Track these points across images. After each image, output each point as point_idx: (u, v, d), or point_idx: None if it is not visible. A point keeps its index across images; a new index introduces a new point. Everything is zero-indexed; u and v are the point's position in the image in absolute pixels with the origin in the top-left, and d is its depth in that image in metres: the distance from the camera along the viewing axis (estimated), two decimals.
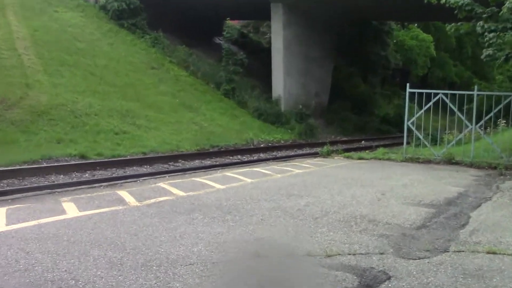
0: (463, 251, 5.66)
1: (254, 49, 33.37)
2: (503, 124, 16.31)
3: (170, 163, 15.29)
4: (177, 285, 4.37)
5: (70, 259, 4.92)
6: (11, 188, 10.40)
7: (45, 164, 12.90)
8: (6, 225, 6.11)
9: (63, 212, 6.86)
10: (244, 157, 17.98)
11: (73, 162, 13.54)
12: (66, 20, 24.08)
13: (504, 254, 5.55)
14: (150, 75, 23.72)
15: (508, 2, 11.24)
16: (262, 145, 21.50)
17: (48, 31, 22.30)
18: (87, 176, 12.60)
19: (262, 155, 18.94)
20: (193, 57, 27.64)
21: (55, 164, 12.98)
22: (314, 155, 17.57)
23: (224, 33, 27.37)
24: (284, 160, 15.91)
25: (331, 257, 5.22)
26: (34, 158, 13.25)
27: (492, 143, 14.07)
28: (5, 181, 11.17)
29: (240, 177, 10.35)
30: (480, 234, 6.37)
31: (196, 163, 15.81)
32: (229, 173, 11.17)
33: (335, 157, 15.24)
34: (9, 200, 8.03)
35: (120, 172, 13.27)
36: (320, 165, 13.08)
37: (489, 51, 12.62)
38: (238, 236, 5.89)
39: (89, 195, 8.18)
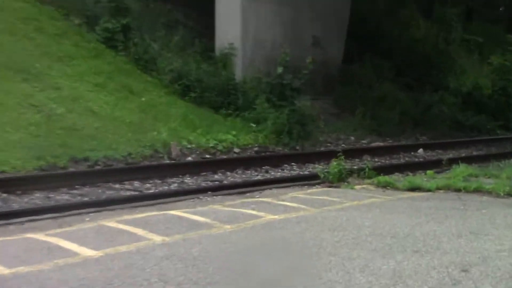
0: None
1: None
2: None
3: None
4: None
5: None
6: None
7: None
8: None
9: None
10: (149, 185, 18.06)
11: None
12: None
13: None
14: None
15: None
16: (190, 158, 21.67)
17: None
18: None
19: (190, 180, 19.04)
20: None
21: None
22: (310, 180, 17.79)
23: None
24: (240, 193, 15.96)
25: None
26: None
27: None
28: None
29: (137, 231, 10.31)
30: None
31: (37, 199, 15.70)
32: (113, 222, 11.12)
33: (357, 186, 15.48)
34: None
35: None
36: (321, 203, 13.18)
37: None
38: None
39: None
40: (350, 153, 23.60)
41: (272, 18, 28.50)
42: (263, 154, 23.67)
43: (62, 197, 16.01)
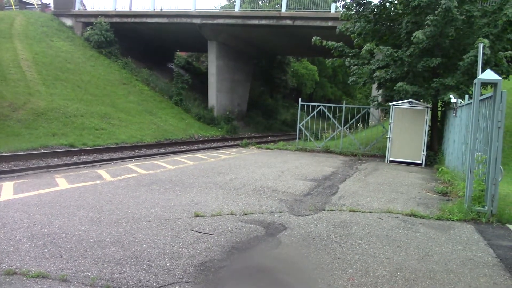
0: (333, 210, 5.65)
1: (196, 73, 32.82)
2: (361, 126, 17.65)
3: (136, 151, 14.81)
4: (140, 235, 4.27)
5: (62, 218, 4.69)
6: (17, 167, 9.85)
7: (43, 151, 12.20)
8: (13, 194, 5.74)
9: (56, 185, 6.51)
10: (188, 147, 17.67)
11: (64, 150, 12.82)
12: (59, 47, 22.43)
13: (359, 211, 5.64)
14: (121, 88, 22.71)
15: (365, 46, 11.75)
16: (201, 139, 21.20)
17: (46, 55, 20.74)
18: (74, 159, 11.93)
19: (200, 146, 18.68)
20: (153, 77, 26.71)
21: (51, 151, 12.29)
22: (236, 146, 17.48)
23: (175, 60, 26.81)
24: (215, 149, 15.73)
25: (247, 215, 5.23)
26: (35, 147, 12.53)
27: (354, 139, 14.48)
28: (12, 163, 10.66)
29: (185, 161, 10.10)
30: (345, 199, 6.42)
31: (154, 150, 15.35)
32: (178, 158, 10.87)
33: (251, 148, 15.07)
34: (15, 177, 7.52)
35: (99, 157, 12.66)
36: (240, 152, 12.94)
37: (353, 78, 12.84)
38: (183, 201, 5.79)
39: (76, 173, 7.78)
40: (249, 138, 23.49)
41: (225, 96, 27.98)
42: (222, 138, 23.08)
43: (162, 150, 15.57)
